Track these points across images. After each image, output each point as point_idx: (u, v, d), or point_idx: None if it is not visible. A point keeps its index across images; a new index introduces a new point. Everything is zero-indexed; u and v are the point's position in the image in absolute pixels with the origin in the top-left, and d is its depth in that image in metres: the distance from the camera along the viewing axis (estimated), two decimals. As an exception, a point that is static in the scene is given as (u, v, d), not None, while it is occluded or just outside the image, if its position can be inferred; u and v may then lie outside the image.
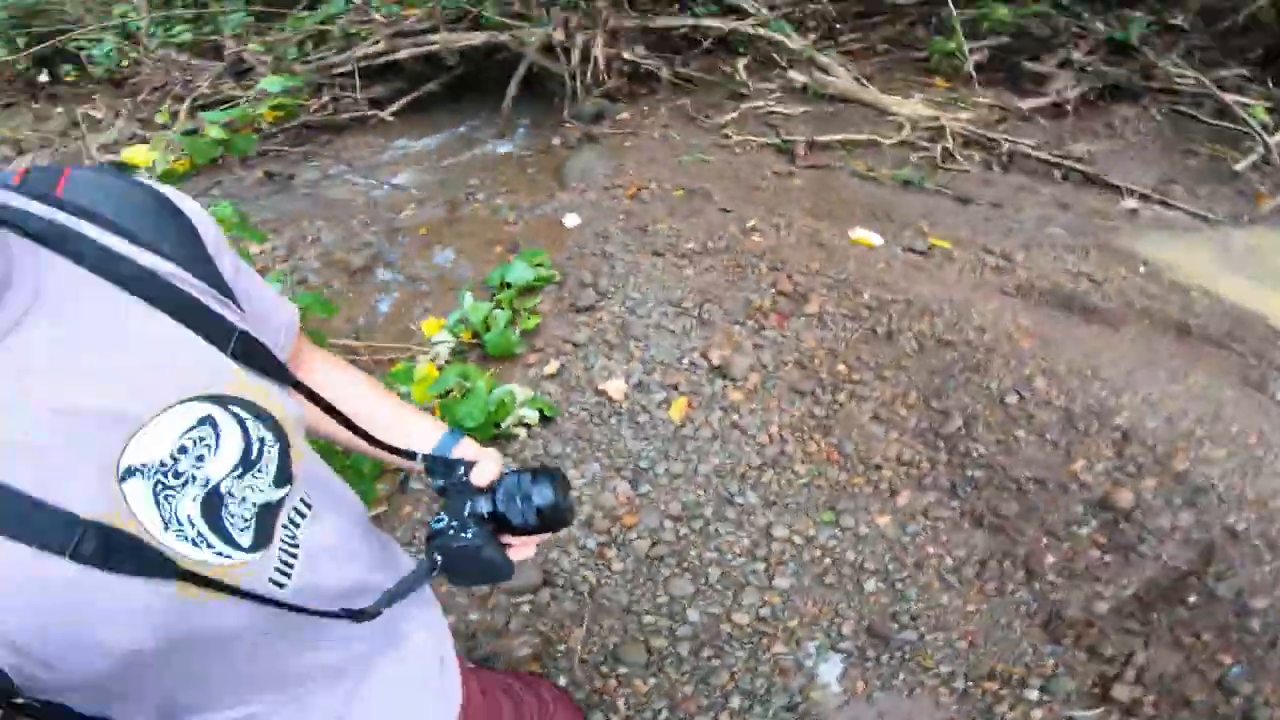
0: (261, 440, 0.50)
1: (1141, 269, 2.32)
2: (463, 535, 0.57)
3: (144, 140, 3.07)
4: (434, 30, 3.32)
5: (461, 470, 0.61)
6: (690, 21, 3.24)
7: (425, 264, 2.47)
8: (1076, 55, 3.20)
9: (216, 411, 0.47)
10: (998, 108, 3.12)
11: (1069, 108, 3.12)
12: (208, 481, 0.46)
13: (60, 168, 0.50)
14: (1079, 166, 2.81)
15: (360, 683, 0.60)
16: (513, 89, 3.15)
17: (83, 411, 0.41)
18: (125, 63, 3.90)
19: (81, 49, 3.97)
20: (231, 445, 0.48)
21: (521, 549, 0.63)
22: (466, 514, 0.58)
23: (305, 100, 3.30)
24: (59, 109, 3.85)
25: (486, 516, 0.59)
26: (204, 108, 3.19)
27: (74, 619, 0.40)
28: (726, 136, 2.97)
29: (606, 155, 2.92)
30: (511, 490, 0.59)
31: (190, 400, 0.46)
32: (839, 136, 2.95)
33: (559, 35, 3.14)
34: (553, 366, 1.96)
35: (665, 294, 2.11)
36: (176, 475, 0.45)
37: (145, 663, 0.44)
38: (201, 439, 0.46)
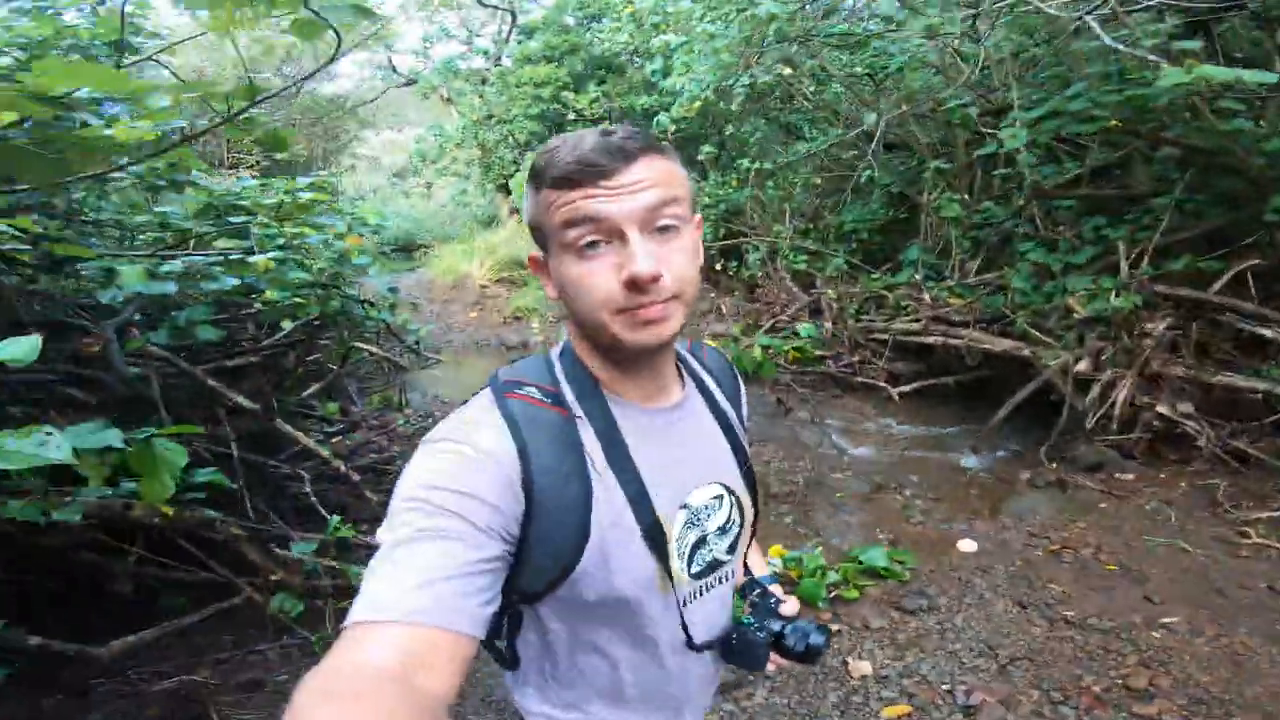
0: (734, 521, 0.80)
1: None
2: (759, 634, 0.82)
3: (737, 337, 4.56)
4: (966, 325, 3.74)
5: (772, 600, 0.86)
6: (1263, 385, 2.65)
7: (823, 515, 2.92)
8: None
9: (725, 494, 0.78)
10: None
11: None
12: (704, 530, 0.76)
13: (701, 343, 0.90)
14: None
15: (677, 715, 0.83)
16: (1005, 410, 3.27)
17: (686, 462, 0.75)
18: (763, 273, 5.72)
19: (748, 252, 6.04)
20: (723, 515, 0.78)
21: (777, 662, 0.85)
22: (765, 625, 0.83)
23: (831, 352, 4.22)
24: (713, 292, 6.03)
25: (775, 633, 0.83)
26: (774, 329, 4.49)
27: (619, 553, 0.69)
28: (1244, 534, 2.31)
29: (1063, 505, 2.72)
30: (801, 628, 0.82)
31: (718, 483, 0.78)
32: None
33: (1084, 365, 3.12)
34: (834, 625, 2.11)
35: (987, 638, 1.96)
36: (699, 519, 0.75)
37: (620, 599, 0.71)
38: (715, 505, 0.77)
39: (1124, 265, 3.12)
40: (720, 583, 0.79)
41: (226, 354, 2.58)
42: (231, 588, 1.95)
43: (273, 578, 1.94)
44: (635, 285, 0.65)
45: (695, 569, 0.76)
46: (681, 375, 0.80)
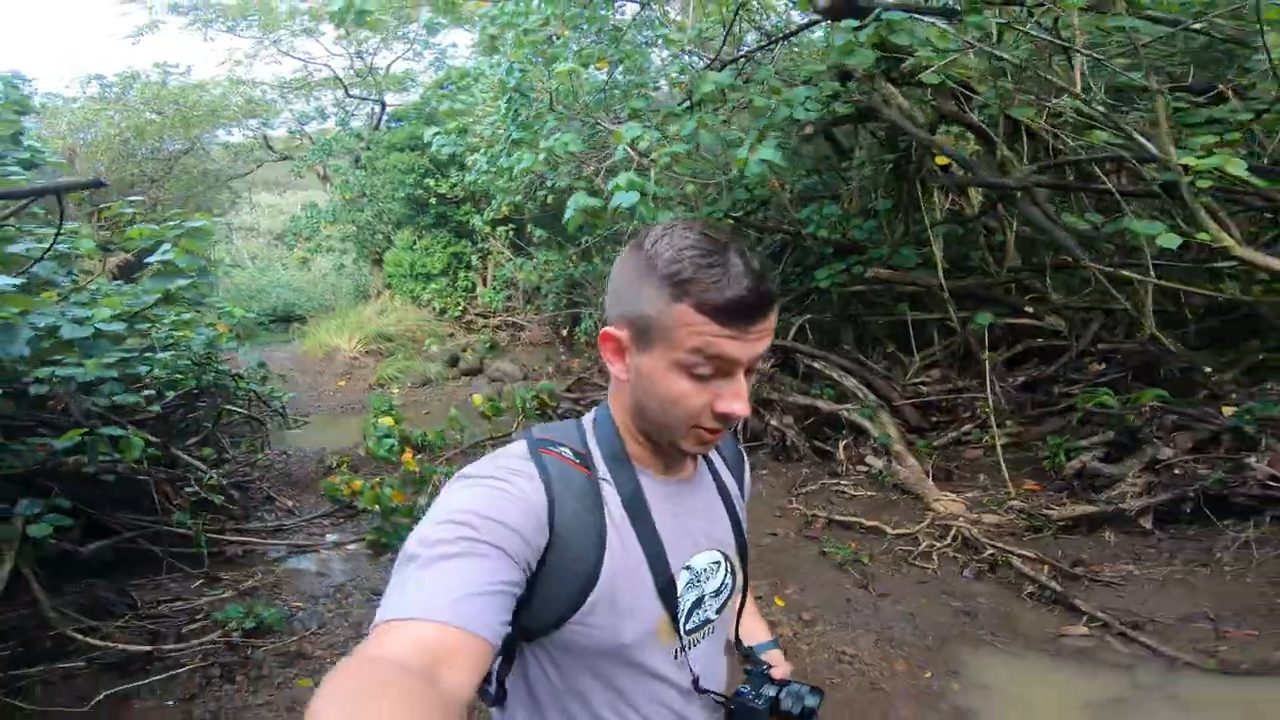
0: (728, 585, 0.95)
1: (954, 685, 2.57)
2: (756, 702, 0.94)
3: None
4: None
5: (765, 667, 1.01)
6: (805, 401, 4.69)
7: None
8: (1167, 453, 3.21)
9: (723, 560, 0.94)
10: (1025, 513, 3.40)
11: (1141, 520, 3.14)
12: (703, 590, 0.91)
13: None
14: (1051, 584, 2.96)
15: None
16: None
17: (691, 529, 0.91)
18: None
19: (583, 319, 7.76)
20: (719, 579, 0.94)
21: None
22: (761, 691, 0.95)
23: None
24: (564, 354, 7.79)
25: (771, 698, 0.95)
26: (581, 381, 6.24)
27: (628, 600, 0.82)
28: (790, 502, 4.21)
29: None
30: (795, 691, 0.95)
31: (717, 550, 0.94)
32: (856, 518, 3.82)
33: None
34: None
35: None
36: (699, 580, 0.91)
37: (620, 645, 0.82)
38: (714, 569, 0.93)
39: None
40: (705, 638, 0.93)
41: (130, 414, 4.03)
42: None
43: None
44: (725, 419, 0.80)
45: (690, 625, 0.90)
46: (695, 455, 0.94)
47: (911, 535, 3.57)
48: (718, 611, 0.94)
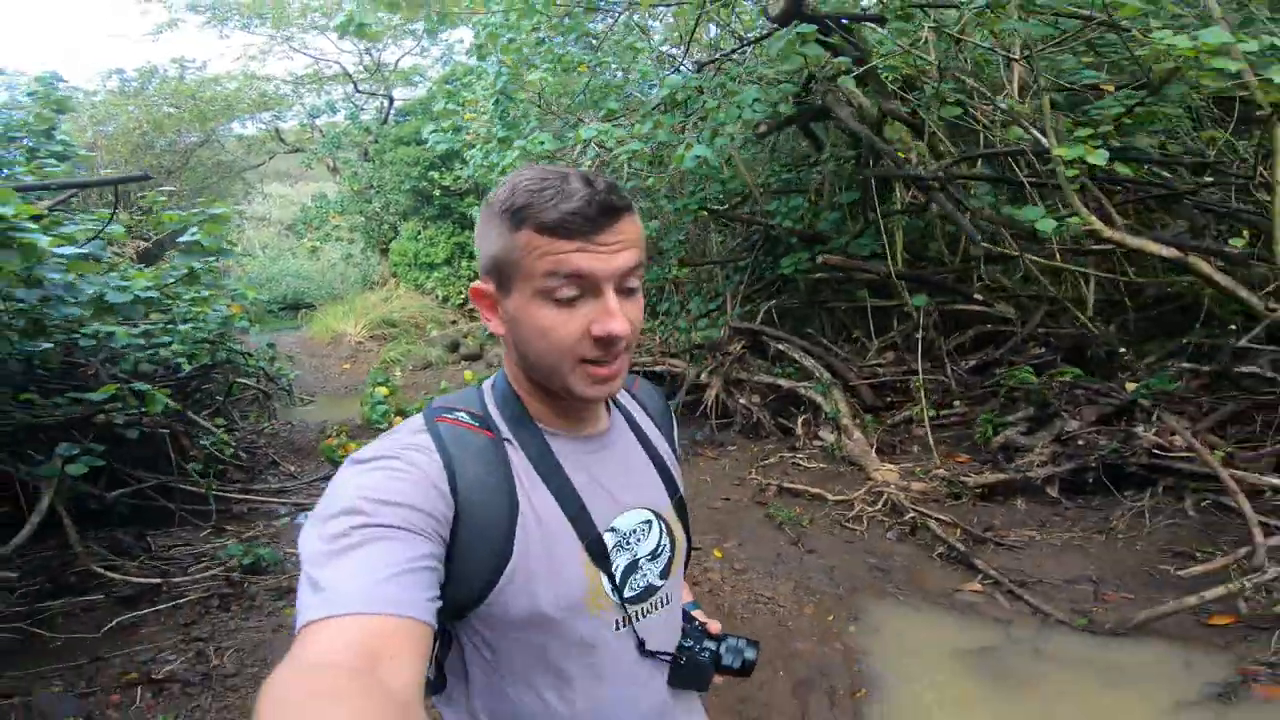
0: (665, 546, 0.92)
1: (851, 627, 2.98)
2: (701, 655, 0.97)
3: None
4: (662, 353, 6.09)
5: (698, 623, 1.02)
6: (770, 380, 5.09)
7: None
8: (1073, 425, 3.57)
9: (654, 520, 0.91)
10: (947, 481, 3.79)
11: (1048, 489, 3.52)
12: (635, 554, 0.88)
13: (635, 377, 1.02)
14: (959, 545, 3.35)
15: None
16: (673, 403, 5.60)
17: (611, 489, 0.87)
18: None
19: None
20: (653, 540, 0.90)
21: (714, 679, 0.99)
22: (703, 645, 0.98)
23: None
24: None
25: (714, 652, 0.98)
26: None
27: (546, 566, 0.80)
28: (751, 474, 4.62)
29: (688, 467, 5.08)
30: (733, 645, 0.99)
31: (646, 508, 0.91)
32: (805, 487, 4.22)
33: (701, 375, 5.49)
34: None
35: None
36: (627, 543, 0.87)
37: (546, 616, 0.79)
38: (644, 529, 0.89)
39: (730, 309, 5.56)
40: (658, 608, 0.91)
41: (151, 380, 4.51)
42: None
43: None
44: (605, 342, 0.77)
45: (630, 593, 0.86)
46: (608, 407, 0.94)
47: (849, 501, 3.97)
48: (661, 576, 0.91)
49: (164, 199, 3.66)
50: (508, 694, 0.82)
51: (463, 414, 0.83)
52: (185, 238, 3.25)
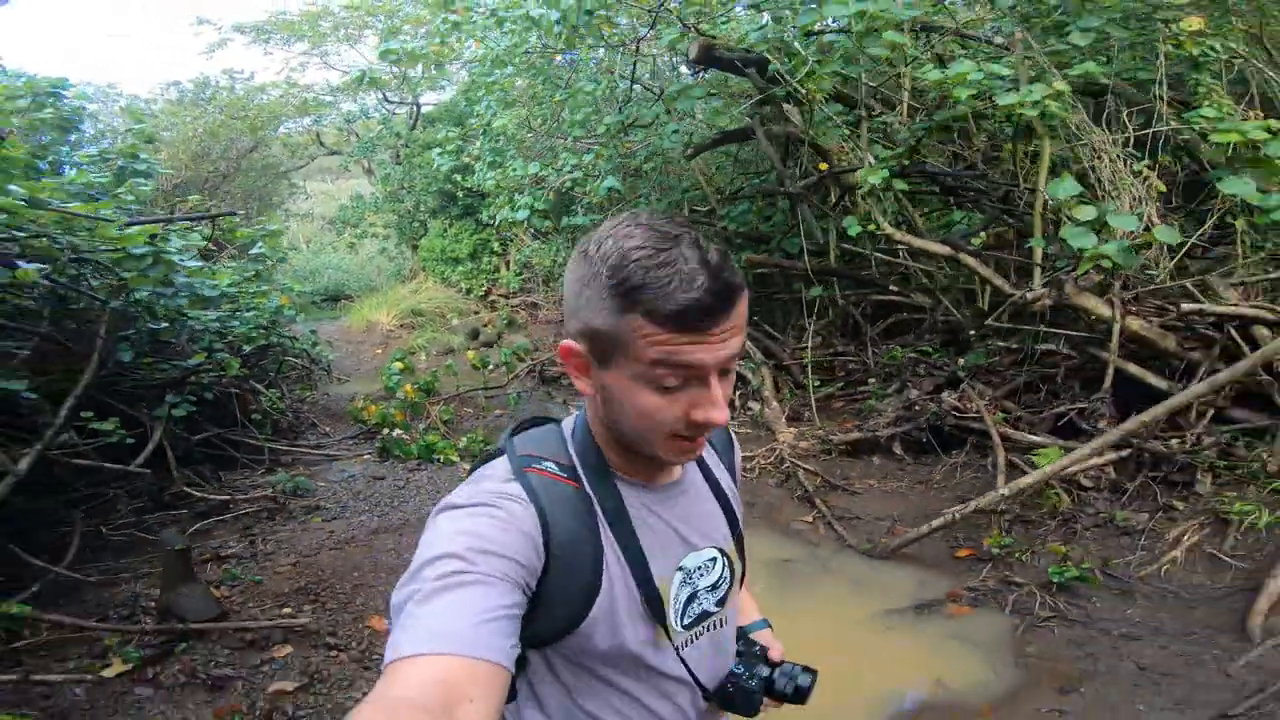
0: (725, 578, 1.01)
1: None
2: (750, 682, 1.00)
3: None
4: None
5: (757, 648, 1.06)
6: None
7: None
8: (914, 393, 4.65)
9: (719, 556, 1.00)
10: (821, 440, 4.93)
11: (893, 447, 4.62)
12: (696, 587, 0.96)
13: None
14: (809, 488, 4.49)
15: None
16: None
17: (683, 532, 0.96)
18: None
19: None
20: (716, 573, 0.99)
21: (769, 708, 1.05)
22: (755, 671, 1.02)
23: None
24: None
25: (765, 679, 1.02)
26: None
27: (626, 610, 0.87)
28: None
29: None
30: (788, 671, 1.02)
31: (713, 547, 0.99)
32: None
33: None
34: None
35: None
36: (691, 579, 0.96)
37: (624, 651, 0.88)
38: (709, 565, 0.98)
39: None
40: (710, 630, 0.99)
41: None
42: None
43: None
44: (703, 426, 0.80)
45: (686, 621, 0.95)
46: None
47: (753, 457, 5.13)
48: (718, 604, 0.99)
49: (238, 216, 5.03)
50: (576, 712, 0.90)
51: (550, 464, 0.87)
52: (254, 250, 4.63)
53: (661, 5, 4.52)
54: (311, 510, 4.68)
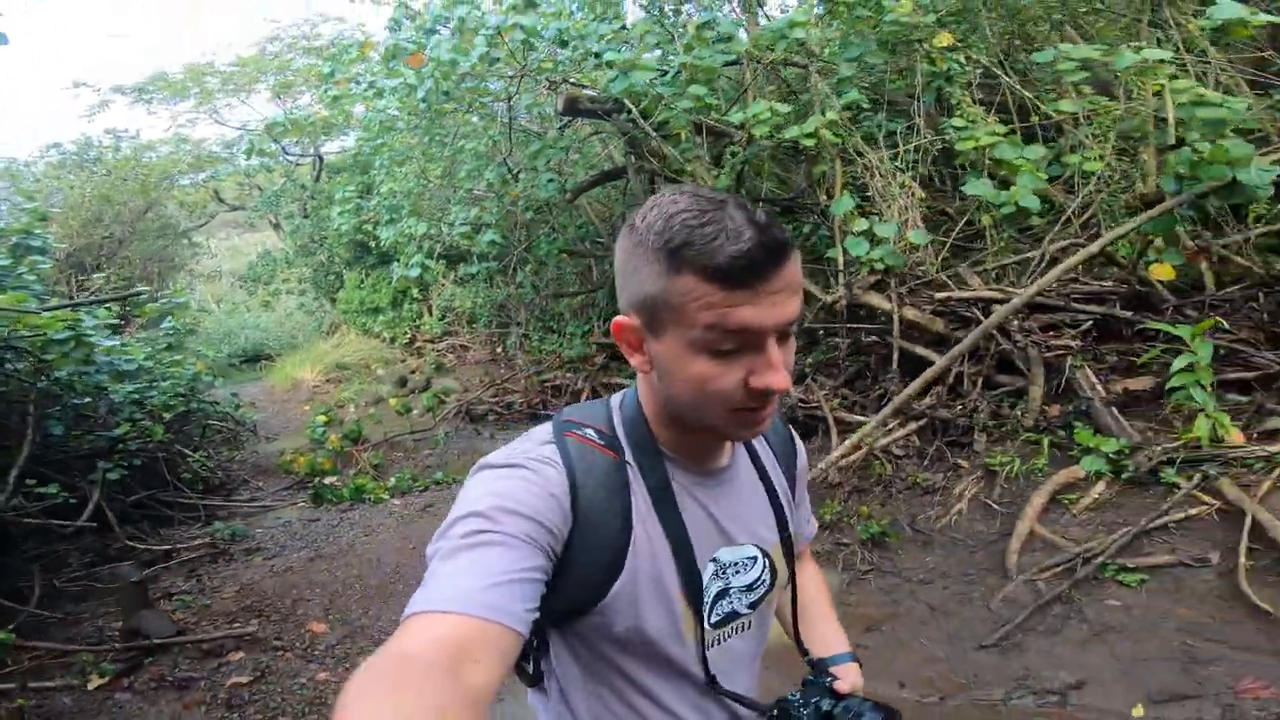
0: (764, 581, 0.98)
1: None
2: (801, 711, 0.94)
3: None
4: (555, 366, 8.10)
5: (828, 678, 0.99)
6: (621, 380, 7.12)
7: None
8: None
9: (760, 557, 0.98)
10: None
11: None
12: (729, 583, 0.95)
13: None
14: None
15: None
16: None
17: (723, 523, 0.94)
18: (520, 349, 10.03)
19: (510, 335, 10.31)
20: (753, 574, 0.97)
21: None
22: (813, 702, 0.95)
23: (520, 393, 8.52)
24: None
25: (823, 712, 0.94)
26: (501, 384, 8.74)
27: (651, 592, 0.87)
28: None
29: None
30: (852, 706, 0.93)
31: (753, 544, 0.97)
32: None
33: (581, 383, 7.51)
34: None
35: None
36: (724, 573, 0.94)
37: (644, 638, 0.88)
38: (747, 564, 0.96)
39: (596, 328, 7.59)
40: (736, 633, 0.97)
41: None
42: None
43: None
44: (763, 393, 0.78)
45: (714, 619, 0.93)
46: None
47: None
48: (750, 606, 0.97)
49: (144, 292, 5.62)
50: (595, 699, 0.91)
51: (591, 431, 0.89)
52: (164, 325, 5.24)
53: (524, 69, 5.37)
54: (252, 552, 5.25)
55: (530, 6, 4.73)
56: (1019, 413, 3.93)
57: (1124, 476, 3.22)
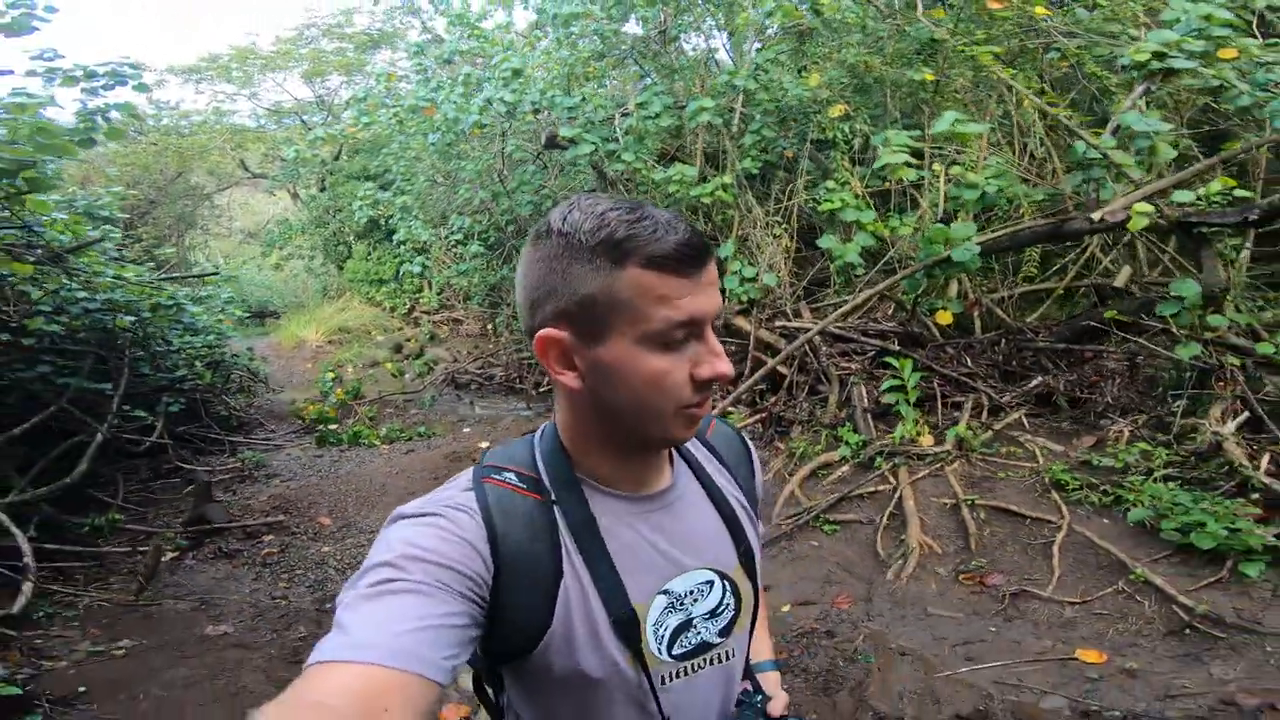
0: (727, 605, 0.97)
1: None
2: None
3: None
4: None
5: (759, 699, 1.00)
6: None
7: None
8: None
9: (716, 580, 0.96)
10: None
11: None
12: (689, 614, 0.93)
13: (710, 419, 1.09)
14: None
15: None
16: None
17: (668, 551, 0.93)
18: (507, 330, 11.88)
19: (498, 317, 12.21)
20: (713, 599, 0.95)
21: None
22: None
23: (501, 367, 10.38)
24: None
25: None
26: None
27: (586, 633, 0.86)
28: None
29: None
30: None
31: (708, 569, 0.96)
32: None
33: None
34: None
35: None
36: (681, 603, 0.93)
37: (586, 678, 0.87)
38: (703, 589, 0.95)
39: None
40: (712, 664, 0.96)
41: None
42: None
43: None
44: (708, 385, 0.81)
45: (678, 651, 0.93)
46: (671, 460, 0.98)
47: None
48: (721, 634, 0.96)
49: (217, 272, 7.51)
50: None
51: (511, 475, 0.89)
52: (224, 296, 7.14)
53: (511, 112, 7.14)
54: (271, 476, 7.14)
55: (516, 76, 6.49)
56: (819, 414, 5.70)
57: (856, 460, 4.97)
